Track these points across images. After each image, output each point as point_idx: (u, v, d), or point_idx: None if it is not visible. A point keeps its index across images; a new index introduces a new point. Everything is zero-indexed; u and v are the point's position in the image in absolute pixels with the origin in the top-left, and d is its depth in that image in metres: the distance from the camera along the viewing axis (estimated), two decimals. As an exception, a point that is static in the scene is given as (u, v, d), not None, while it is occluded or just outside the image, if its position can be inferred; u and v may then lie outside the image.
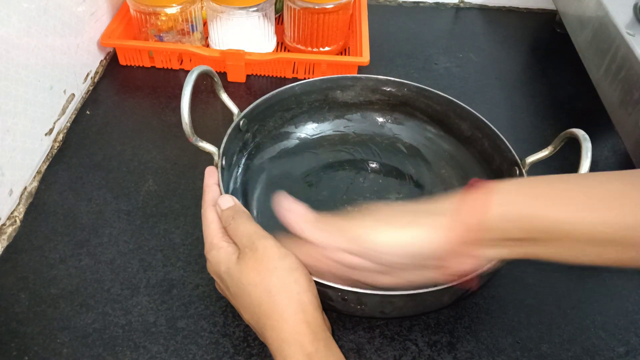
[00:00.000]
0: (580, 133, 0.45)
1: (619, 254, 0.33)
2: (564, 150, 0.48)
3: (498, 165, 0.52)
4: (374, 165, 0.59)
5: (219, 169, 0.45)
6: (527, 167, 0.48)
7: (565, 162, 0.55)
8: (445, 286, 0.38)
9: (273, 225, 0.40)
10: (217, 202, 0.42)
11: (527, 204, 0.34)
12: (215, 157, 0.47)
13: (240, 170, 0.54)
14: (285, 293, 0.36)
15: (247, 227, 0.39)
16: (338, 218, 0.39)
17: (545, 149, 0.48)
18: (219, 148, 0.47)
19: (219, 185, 0.44)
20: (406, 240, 0.36)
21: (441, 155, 0.58)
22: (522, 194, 0.35)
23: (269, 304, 0.36)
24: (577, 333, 0.47)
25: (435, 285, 0.38)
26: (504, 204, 0.34)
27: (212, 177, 0.45)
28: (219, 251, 0.39)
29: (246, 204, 0.52)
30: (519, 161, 0.48)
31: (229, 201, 0.42)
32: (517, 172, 0.48)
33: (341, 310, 0.43)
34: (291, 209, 0.39)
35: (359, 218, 0.38)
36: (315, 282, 0.38)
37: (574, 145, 0.45)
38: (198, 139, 0.45)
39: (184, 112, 0.43)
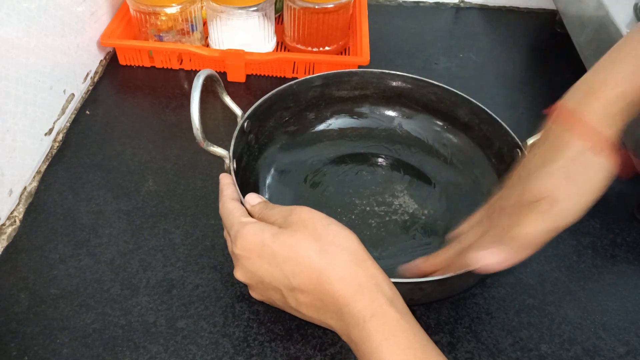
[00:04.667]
0: None
1: None
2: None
3: (498, 149, 0.53)
4: (375, 158, 0.59)
5: (232, 172, 0.45)
6: (528, 149, 0.49)
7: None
8: (471, 269, 0.38)
9: None
10: (245, 200, 0.41)
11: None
12: (227, 161, 0.46)
13: (245, 172, 0.54)
14: (349, 244, 0.35)
15: (283, 207, 0.39)
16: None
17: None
18: (227, 151, 0.47)
19: (235, 185, 0.44)
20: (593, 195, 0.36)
21: (441, 142, 0.58)
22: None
23: (333, 256, 0.34)
24: (577, 333, 0.47)
25: None
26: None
27: (227, 178, 0.44)
28: (254, 225, 0.37)
29: None
30: (519, 143, 0.49)
31: (257, 198, 0.42)
32: (519, 153, 0.49)
33: None
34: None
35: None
36: None
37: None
38: (209, 143, 0.45)
39: (194, 117, 0.42)
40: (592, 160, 0.36)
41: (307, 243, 0.35)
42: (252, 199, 0.41)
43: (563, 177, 0.36)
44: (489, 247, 0.38)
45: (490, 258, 0.37)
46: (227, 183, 0.44)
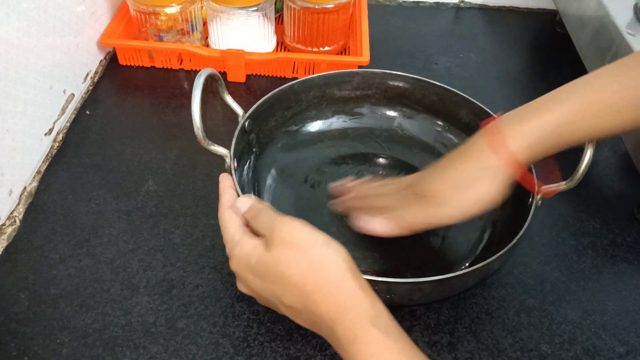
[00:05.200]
0: None
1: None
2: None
3: None
4: (376, 158, 0.59)
5: (232, 171, 0.45)
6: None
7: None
8: (471, 269, 0.40)
9: None
10: (235, 205, 0.41)
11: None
12: (227, 160, 0.46)
13: (245, 172, 0.54)
14: (330, 263, 0.35)
15: (267, 218, 0.38)
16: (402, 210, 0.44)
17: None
18: (228, 150, 0.47)
19: (234, 188, 0.44)
20: (476, 201, 0.41)
21: (442, 143, 0.58)
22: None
23: (316, 278, 0.34)
24: (577, 333, 0.47)
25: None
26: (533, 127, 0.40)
27: (226, 180, 0.44)
28: (243, 245, 0.38)
29: None
30: None
31: (247, 201, 0.41)
32: None
33: None
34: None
35: (419, 202, 0.44)
36: None
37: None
38: (210, 142, 0.45)
39: (195, 116, 0.42)
40: (490, 177, 0.40)
41: (292, 266, 0.35)
42: (243, 204, 0.41)
43: (453, 185, 0.42)
44: (381, 217, 0.45)
45: (376, 225, 0.46)
46: (225, 187, 0.44)
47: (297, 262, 0.35)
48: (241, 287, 0.40)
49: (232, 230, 0.40)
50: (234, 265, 0.39)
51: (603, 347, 0.46)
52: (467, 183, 0.41)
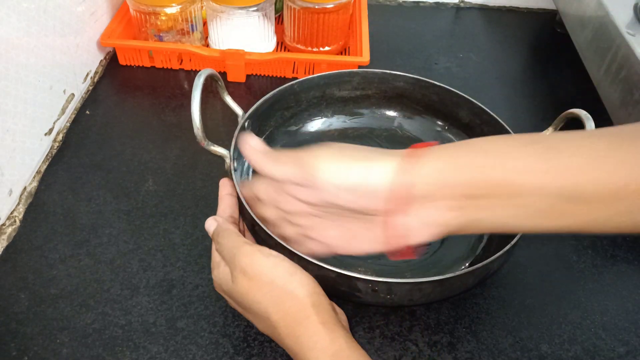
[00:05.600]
0: (582, 113, 0.45)
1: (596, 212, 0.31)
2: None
3: None
4: None
5: (232, 171, 0.45)
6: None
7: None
8: (471, 269, 0.39)
9: None
10: (205, 224, 0.42)
11: (474, 156, 0.33)
12: (227, 160, 0.47)
13: (245, 172, 0.54)
14: (291, 300, 0.35)
15: (229, 246, 0.38)
16: (294, 151, 0.39)
17: (546, 130, 0.49)
18: (228, 150, 0.47)
19: (231, 194, 0.44)
20: (355, 172, 0.35)
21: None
22: (467, 149, 0.34)
23: (278, 314, 0.35)
24: (577, 333, 0.47)
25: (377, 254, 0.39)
26: (447, 156, 0.34)
27: (224, 188, 0.44)
28: (218, 271, 0.39)
29: None
30: None
31: (212, 224, 0.41)
32: None
33: (369, 301, 0.43)
34: (250, 143, 0.40)
35: (313, 151, 0.38)
36: (344, 274, 0.38)
37: (575, 128, 0.45)
38: (210, 143, 0.45)
39: (195, 116, 0.42)
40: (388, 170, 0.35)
41: (256, 299, 0.36)
42: (209, 226, 0.42)
43: (350, 157, 0.37)
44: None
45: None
46: (222, 196, 0.44)
47: (261, 295, 0.36)
48: (228, 302, 0.42)
49: (213, 251, 0.41)
50: (215, 286, 0.41)
51: (603, 347, 0.46)
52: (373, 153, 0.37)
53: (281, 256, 0.37)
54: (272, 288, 0.36)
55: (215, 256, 0.40)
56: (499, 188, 0.32)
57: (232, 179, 0.44)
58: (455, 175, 0.33)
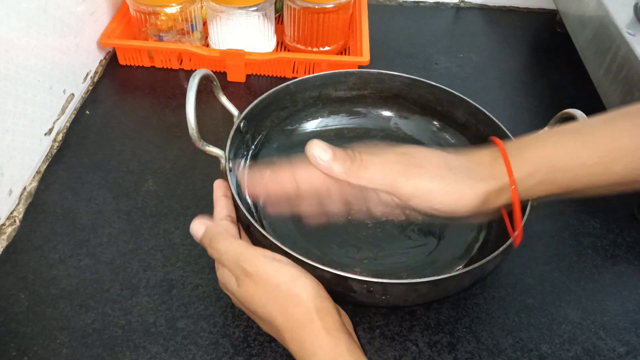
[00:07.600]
0: (577, 112, 0.45)
1: None
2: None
3: None
4: None
5: (227, 172, 0.45)
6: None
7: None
8: (466, 270, 0.39)
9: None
10: (191, 231, 0.42)
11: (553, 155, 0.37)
12: (222, 161, 0.47)
13: (241, 173, 0.54)
14: (295, 305, 0.36)
15: (229, 251, 0.38)
16: (378, 158, 0.39)
17: (542, 130, 0.48)
18: (224, 151, 0.47)
19: (226, 195, 0.44)
20: (447, 199, 0.37)
21: (438, 143, 0.58)
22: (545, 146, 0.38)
23: (282, 319, 0.36)
24: (577, 333, 0.47)
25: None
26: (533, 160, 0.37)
27: (219, 189, 0.44)
28: (223, 271, 0.39)
29: None
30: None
31: (199, 228, 0.41)
32: None
33: (365, 302, 0.43)
34: (318, 157, 0.40)
35: (400, 162, 0.38)
36: (339, 275, 0.38)
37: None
38: (205, 143, 0.45)
39: (189, 116, 0.42)
40: (479, 195, 0.37)
41: (262, 303, 0.36)
42: (196, 231, 0.41)
43: (447, 167, 0.38)
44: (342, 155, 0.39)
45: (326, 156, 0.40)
46: (217, 198, 0.44)
47: (266, 299, 0.36)
48: (233, 302, 0.42)
49: (217, 254, 0.40)
50: (220, 285, 0.41)
51: (603, 347, 0.46)
52: (450, 193, 0.37)
53: (284, 260, 0.38)
54: (277, 293, 0.36)
55: (216, 260, 0.40)
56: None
57: (227, 180, 0.44)
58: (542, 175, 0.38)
